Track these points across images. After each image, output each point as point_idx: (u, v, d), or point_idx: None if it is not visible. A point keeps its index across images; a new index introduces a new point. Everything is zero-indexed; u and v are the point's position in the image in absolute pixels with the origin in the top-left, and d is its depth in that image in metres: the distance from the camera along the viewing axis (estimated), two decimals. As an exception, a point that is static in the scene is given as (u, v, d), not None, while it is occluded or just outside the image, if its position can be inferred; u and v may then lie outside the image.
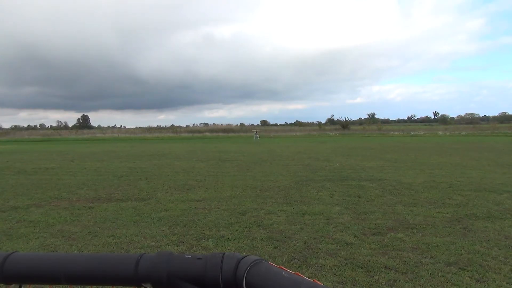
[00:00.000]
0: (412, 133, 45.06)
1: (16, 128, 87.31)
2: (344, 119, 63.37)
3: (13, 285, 0.58)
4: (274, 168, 11.20)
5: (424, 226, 4.86)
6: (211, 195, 7.09)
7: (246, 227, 4.90)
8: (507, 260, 3.67)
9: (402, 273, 3.41)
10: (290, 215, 5.49)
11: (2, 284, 0.58)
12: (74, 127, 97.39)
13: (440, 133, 44.09)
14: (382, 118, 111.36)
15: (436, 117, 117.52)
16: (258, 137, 39.64)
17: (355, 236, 4.47)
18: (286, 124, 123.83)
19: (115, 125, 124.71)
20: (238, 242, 4.34)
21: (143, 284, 0.53)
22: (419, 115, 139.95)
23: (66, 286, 0.57)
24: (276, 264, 0.50)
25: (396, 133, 46.40)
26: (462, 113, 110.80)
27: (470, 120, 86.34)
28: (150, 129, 62.96)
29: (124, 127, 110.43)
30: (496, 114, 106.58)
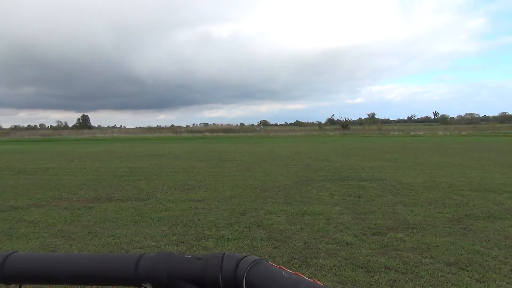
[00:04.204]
0: (412, 133, 45.03)
1: (16, 128, 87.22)
2: (344, 119, 63.13)
3: (13, 285, 0.58)
4: (274, 168, 11.20)
5: (424, 226, 4.86)
6: (211, 195, 7.09)
7: (246, 227, 4.90)
8: (507, 260, 3.67)
9: (402, 273, 3.41)
10: (290, 215, 5.49)
11: (2, 284, 0.58)
12: (74, 127, 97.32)
13: (440, 133, 44.06)
14: (382, 118, 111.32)
15: (436, 117, 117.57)
16: (262, 128, 47.57)
17: (355, 236, 4.47)
18: (286, 124, 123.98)
19: (115, 125, 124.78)
20: (238, 242, 4.35)
21: (143, 284, 0.53)
22: (419, 115, 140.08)
23: (66, 286, 0.58)
24: (276, 264, 0.50)
25: (396, 133, 46.35)
26: (462, 113, 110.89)
27: (470, 120, 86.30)
28: (150, 129, 62.86)
29: (124, 127, 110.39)
30: (496, 114, 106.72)
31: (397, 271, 3.46)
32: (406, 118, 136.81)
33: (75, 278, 0.55)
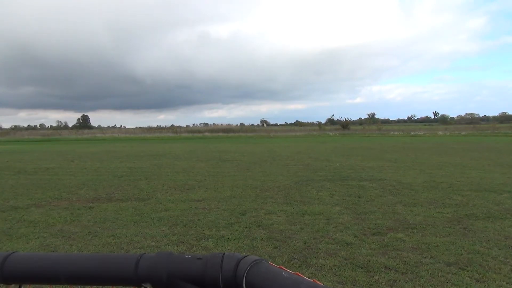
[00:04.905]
0: (412, 133, 45.03)
1: (16, 128, 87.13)
2: (344, 119, 63.06)
3: (13, 285, 0.58)
4: (274, 168, 11.20)
5: (424, 226, 4.86)
6: (211, 195, 7.09)
7: (246, 227, 4.90)
8: (507, 260, 3.67)
9: (402, 273, 3.41)
10: (290, 215, 5.49)
11: (2, 284, 0.58)
12: (74, 127, 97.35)
13: (440, 133, 44.07)
14: (382, 118, 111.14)
15: (436, 117, 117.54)
16: (265, 125, 49.80)
17: (355, 236, 4.47)
18: (286, 124, 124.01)
19: (115, 125, 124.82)
20: (238, 242, 4.35)
21: (143, 284, 0.53)
22: (419, 115, 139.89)
23: (66, 286, 0.58)
24: (276, 264, 0.50)
25: (396, 133, 46.35)
26: (462, 113, 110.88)
27: (470, 120, 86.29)
28: (150, 129, 62.85)
29: (124, 127, 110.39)
30: (496, 114, 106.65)
31: (397, 271, 3.46)
32: (406, 118, 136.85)
33: (75, 278, 0.55)
